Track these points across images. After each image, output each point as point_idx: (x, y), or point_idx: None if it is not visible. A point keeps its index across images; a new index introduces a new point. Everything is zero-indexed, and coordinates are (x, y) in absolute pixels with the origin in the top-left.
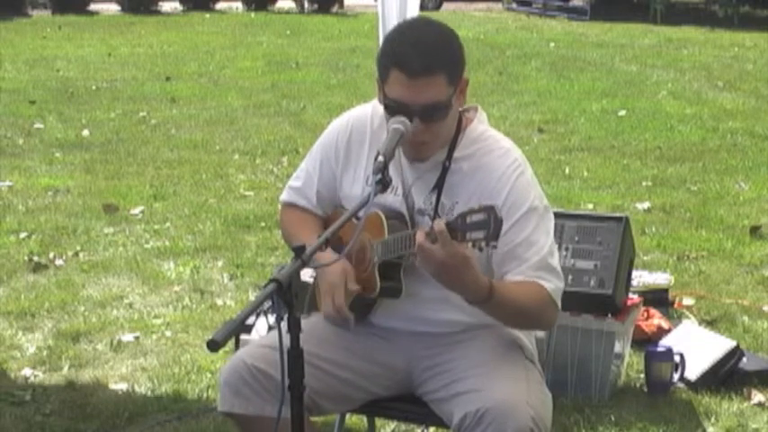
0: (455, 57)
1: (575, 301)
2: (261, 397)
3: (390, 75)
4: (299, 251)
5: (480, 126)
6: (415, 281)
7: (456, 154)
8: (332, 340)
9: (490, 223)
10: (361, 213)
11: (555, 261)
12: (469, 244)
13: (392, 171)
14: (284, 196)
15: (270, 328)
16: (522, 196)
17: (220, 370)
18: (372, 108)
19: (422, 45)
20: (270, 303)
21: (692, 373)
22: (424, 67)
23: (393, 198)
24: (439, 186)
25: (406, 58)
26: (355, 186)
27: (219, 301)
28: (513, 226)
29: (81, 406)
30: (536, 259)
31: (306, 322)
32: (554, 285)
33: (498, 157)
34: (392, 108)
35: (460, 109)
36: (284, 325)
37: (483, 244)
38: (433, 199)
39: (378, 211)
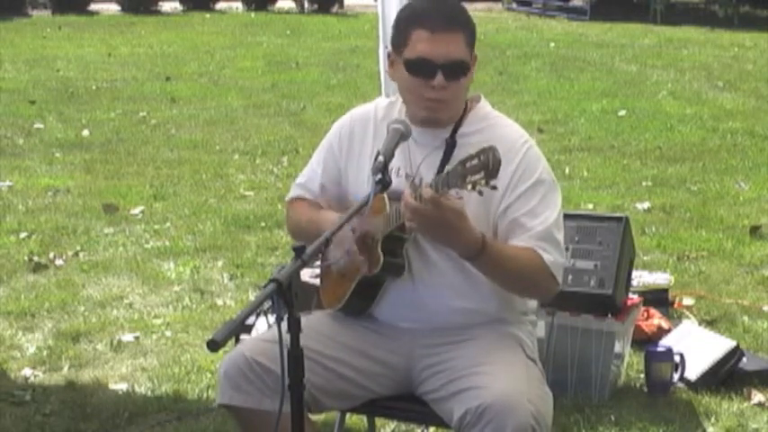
0: (470, 22)
1: (575, 301)
2: (260, 391)
3: (412, 35)
4: (299, 251)
5: (486, 107)
6: (420, 262)
7: (462, 130)
8: (333, 337)
9: (489, 163)
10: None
11: (560, 235)
12: (469, 186)
13: (399, 154)
14: (289, 194)
15: (270, 328)
16: (531, 167)
17: (220, 363)
18: (375, 104)
19: (441, 5)
20: (270, 303)
21: (692, 373)
22: (446, 24)
23: (396, 179)
24: (444, 161)
25: (428, 15)
26: (360, 177)
27: (219, 301)
28: (520, 196)
29: (81, 406)
30: (540, 229)
31: (308, 319)
32: (553, 258)
33: (507, 131)
34: (415, 65)
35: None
36: (284, 325)
37: (483, 184)
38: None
39: (383, 195)
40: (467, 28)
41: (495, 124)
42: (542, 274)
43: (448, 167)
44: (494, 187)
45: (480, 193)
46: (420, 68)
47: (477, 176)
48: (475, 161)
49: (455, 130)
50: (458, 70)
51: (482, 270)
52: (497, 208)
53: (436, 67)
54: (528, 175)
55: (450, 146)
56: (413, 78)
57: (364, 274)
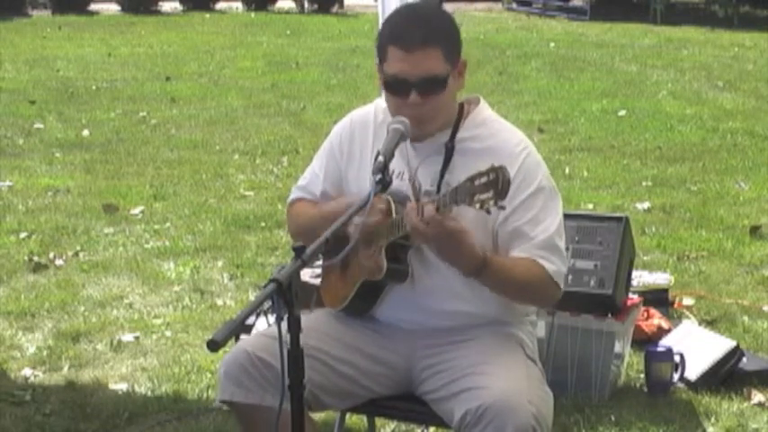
0: (451, 33)
1: (575, 301)
2: (261, 386)
3: (389, 52)
4: (299, 251)
5: (485, 111)
6: (422, 267)
7: (460, 135)
8: (334, 336)
9: (498, 182)
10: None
11: (561, 242)
12: (477, 205)
13: (398, 156)
14: (290, 197)
15: (270, 327)
16: (530, 175)
17: (221, 361)
18: (375, 106)
19: (417, 21)
20: (270, 303)
21: (692, 373)
22: (419, 41)
23: (399, 183)
24: (443, 167)
25: (402, 33)
26: (361, 180)
27: (219, 301)
28: (520, 205)
29: (81, 406)
30: (542, 238)
31: (309, 317)
32: (556, 267)
33: (505, 137)
34: (391, 84)
35: (461, 100)
36: (284, 325)
37: (491, 203)
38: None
39: (387, 195)
40: (445, 41)
41: (493, 129)
42: (545, 285)
43: (448, 176)
44: (502, 207)
45: (488, 211)
46: (395, 87)
47: (485, 195)
48: (484, 179)
49: (453, 135)
50: (433, 86)
51: (485, 284)
52: (497, 217)
53: (410, 86)
54: (528, 183)
55: (450, 150)
56: (390, 96)
57: (367, 278)
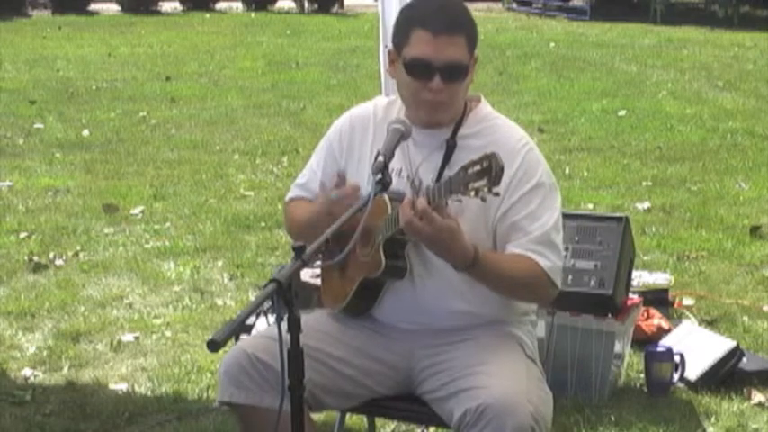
0: (473, 24)
1: (575, 301)
2: (260, 387)
3: (413, 35)
4: (299, 251)
5: (486, 108)
6: (421, 263)
7: (462, 132)
8: (334, 336)
9: (491, 170)
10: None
11: (558, 238)
12: (472, 193)
13: (398, 154)
14: (289, 195)
15: (270, 328)
16: (530, 171)
17: (221, 361)
18: (374, 103)
19: (444, 8)
20: (270, 303)
21: (692, 373)
22: (448, 27)
23: (398, 180)
24: (444, 163)
25: (431, 17)
26: (360, 177)
27: (219, 301)
28: (520, 199)
29: (81, 406)
30: (538, 233)
31: (309, 317)
32: (551, 263)
33: (507, 134)
34: (413, 67)
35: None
36: (284, 325)
37: (485, 191)
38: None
39: (383, 194)
40: (469, 31)
41: (495, 126)
42: (539, 280)
43: (448, 172)
44: (496, 194)
45: (483, 199)
46: (418, 70)
47: (479, 183)
48: (477, 167)
49: (455, 132)
50: (456, 73)
51: (477, 279)
52: (497, 211)
53: (434, 70)
54: (528, 178)
55: (451, 147)
56: (411, 79)
57: (366, 276)
